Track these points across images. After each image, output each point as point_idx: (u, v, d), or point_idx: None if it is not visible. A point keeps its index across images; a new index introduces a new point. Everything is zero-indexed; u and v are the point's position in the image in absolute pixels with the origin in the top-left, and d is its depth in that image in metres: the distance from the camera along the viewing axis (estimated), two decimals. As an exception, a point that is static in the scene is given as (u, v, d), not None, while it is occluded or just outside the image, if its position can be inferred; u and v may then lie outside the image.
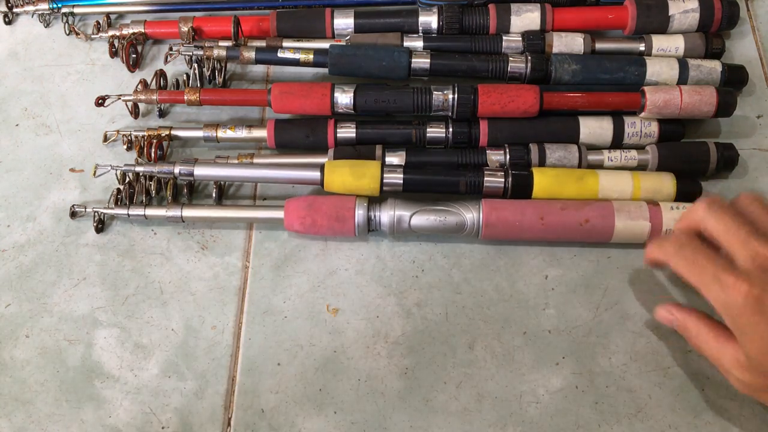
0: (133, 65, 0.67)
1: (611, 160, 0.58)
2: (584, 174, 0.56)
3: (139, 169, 0.58)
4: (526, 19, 0.62)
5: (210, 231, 0.59)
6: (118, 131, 0.62)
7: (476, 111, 0.58)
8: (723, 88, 0.57)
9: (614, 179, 0.55)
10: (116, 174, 0.60)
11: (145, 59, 0.68)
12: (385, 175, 0.56)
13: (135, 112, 0.64)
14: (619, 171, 0.56)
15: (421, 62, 0.59)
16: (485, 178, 0.56)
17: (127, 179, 0.59)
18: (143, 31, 0.67)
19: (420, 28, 0.63)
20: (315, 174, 0.56)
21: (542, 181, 0.55)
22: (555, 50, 0.61)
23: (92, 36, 0.69)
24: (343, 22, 0.63)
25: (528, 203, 0.54)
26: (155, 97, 0.61)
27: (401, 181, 0.56)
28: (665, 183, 0.55)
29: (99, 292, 0.57)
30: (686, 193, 0.56)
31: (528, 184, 0.55)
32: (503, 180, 0.56)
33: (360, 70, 0.60)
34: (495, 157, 0.58)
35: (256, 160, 0.60)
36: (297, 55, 0.61)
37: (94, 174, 0.59)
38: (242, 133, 0.60)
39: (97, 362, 0.55)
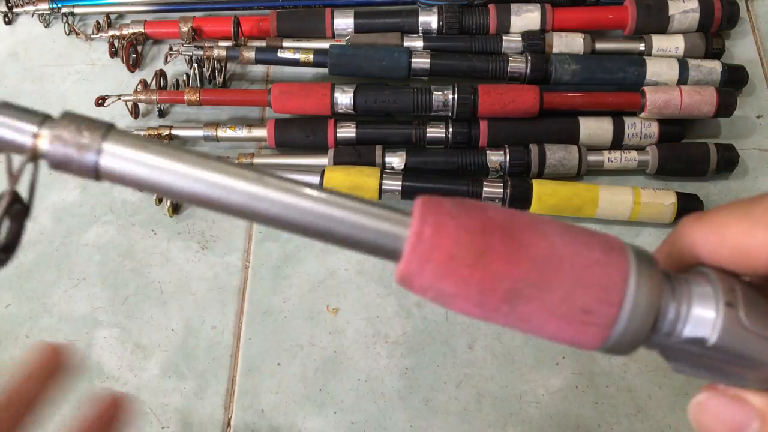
0: (133, 65, 0.67)
1: (611, 161, 0.58)
2: (583, 189, 0.56)
3: None
4: (526, 19, 0.61)
5: (210, 231, 0.59)
6: (118, 131, 0.62)
7: (476, 111, 0.58)
8: (723, 89, 0.57)
9: (614, 193, 0.55)
10: None
11: (145, 59, 0.68)
12: (384, 182, 0.56)
13: (135, 112, 0.64)
14: (619, 186, 0.56)
15: (421, 62, 0.59)
16: (484, 188, 0.56)
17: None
18: (143, 31, 0.67)
19: (420, 28, 0.63)
20: (314, 179, 0.56)
21: (542, 193, 0.55)
22: (555, 50, 0.61)
23: (92, 36, 0.68)
24: (343, 22, 0.63)
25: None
26: (155, 97, 0.61)
27: (400, 188, 0.56)
28: (665, 200, 0.55)
29: (99, 292, 0.57)
30: (687, 210, 0.56)
31: (527, 196, 0.55)
32: (502, 191, 0.56)
33: (360, 70, 0.60)
34: (495, 157, 0.58)
35: (256, 161, 0.60)
36: (297, 55, 0.61)
37: None
38: (242, 132, 0.60)
39: (97, 362, 0.55)
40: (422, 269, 0.21)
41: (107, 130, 0.21)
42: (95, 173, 0.21)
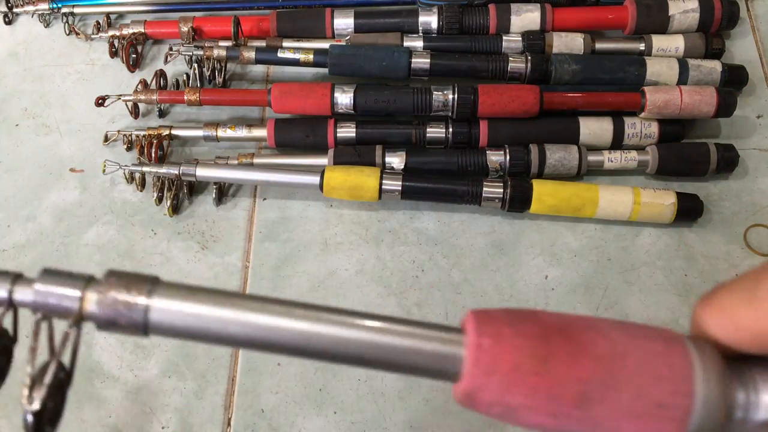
0: (133, 65, 0.67)
1: (611, 161, 0.58)
2: (583, 189, 0.56)
3: (145, 169, 0.59)
4: (526, 19, 0.62)
5: (210, 231, 0.59)
6: (119, 131, 0.62)
7: (476, 111, 0.58)
8: (723, 89, 0.57)
9: (614, 193, 0.55)
10: (124, 173, 0.60)
11: (145, 59, 0.68)
12: (384, 182, 0.56)
13: (135, 112, 0.64)
14: (619, 186, 0.56)
15: (421, 62, 0.59)
16: (484, 188, 0.56)
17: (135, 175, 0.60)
18: (143, 31, 0.67)
19: (420, 28, 0.63)
20: (315, 179, 0.56)
21: (541, 193, 0.55)
22: (555, 50, 0.61)
23: (92, 36, 0.69)
24: (343, 22, 0.63)
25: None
26: (155, 97, 0.61)
27: (400, 188, 0.56)
28: (665, 200, 0.55)
29: (99, 292, 0.57)
30: (687, 210, 0.56)
31: (527, 196, 0.55)
32: (502, 191, 0.56)
33: (360, 70, 0.60)
34: (495, 157, 0.58)
35: (256, 161, 0.60)
36: (297, 55, 0.61)
37: (104, 171, 0.60)
38: (242, 132, 0.60)
39: (97, 362, 0.55)
40: (487, 383, 0.21)
41: (153, 285, 0.20)
42: (144, 329, 0.20)
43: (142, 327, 0.20)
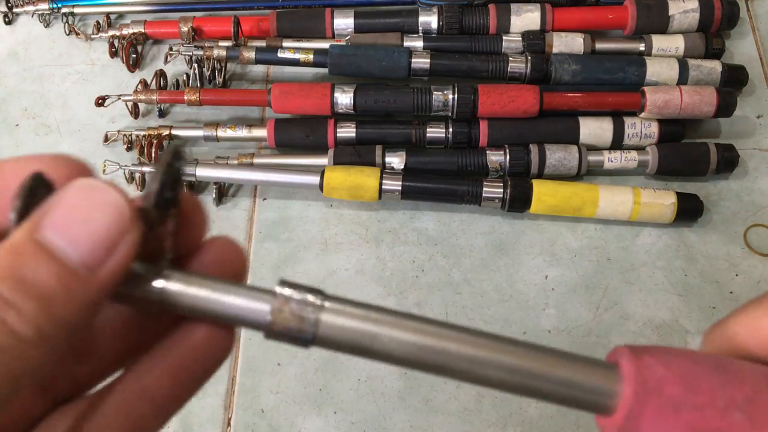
0: (133, 65, 0.67)
1: (611, 161, 0.58)
2: (583, 189, 0.56)
3: (145, 169, 0.59)
4: (526, 19, 0.62)
5: (210, 231, 0.59)
6: (119, 131, 0.62)
7: (476, 111, 0.58)
8: (723, 88, 0.57)
9: (614, 193, 0.55)
10: (124, 173, 0.60)
11: (145, 59, 0.68)
12: (384, 182, 0.56)
13: (135, 112, 0.64)
14: (619, 186, 0.56)
15: (421, 62, 0.59)
16: (484, 188, 0.56)
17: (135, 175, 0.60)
18: (143, 31, 0.67)
19: (420, 28, 0.63)
20: (315, 179, 0.56)
21: (541, 193, 0.55)
22: (555, 50, 0.61)
23: (92, 36, 0.68)
24: (343, 22, 0.63)
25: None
26: (155, 97, 0.61)
27: (400, 188, 0.56)
28: (665, 200, 0.55)
29: (99, 292, 0.57)
30: (687, 210, 0.56)
31: (527, 196, 0.55)
32: (502, 191, 0.56)
33: (360, 70, 0.60)
34: (495, 157, 0.58)
35: (256, 161, 0.60)
36: (297, 55, 0.61)
37: (104, 171, 0.60)
38: (242, 132, 0.60)
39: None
40: (648, 405, 0.20)
41: (323, 299, 0.20)
42: (311, 341, 0.20)
43: (310, 340, 0.20)
